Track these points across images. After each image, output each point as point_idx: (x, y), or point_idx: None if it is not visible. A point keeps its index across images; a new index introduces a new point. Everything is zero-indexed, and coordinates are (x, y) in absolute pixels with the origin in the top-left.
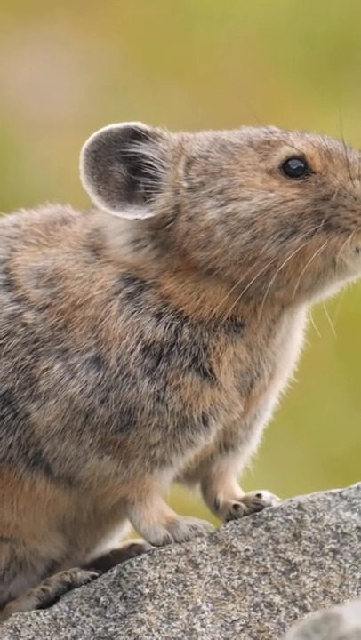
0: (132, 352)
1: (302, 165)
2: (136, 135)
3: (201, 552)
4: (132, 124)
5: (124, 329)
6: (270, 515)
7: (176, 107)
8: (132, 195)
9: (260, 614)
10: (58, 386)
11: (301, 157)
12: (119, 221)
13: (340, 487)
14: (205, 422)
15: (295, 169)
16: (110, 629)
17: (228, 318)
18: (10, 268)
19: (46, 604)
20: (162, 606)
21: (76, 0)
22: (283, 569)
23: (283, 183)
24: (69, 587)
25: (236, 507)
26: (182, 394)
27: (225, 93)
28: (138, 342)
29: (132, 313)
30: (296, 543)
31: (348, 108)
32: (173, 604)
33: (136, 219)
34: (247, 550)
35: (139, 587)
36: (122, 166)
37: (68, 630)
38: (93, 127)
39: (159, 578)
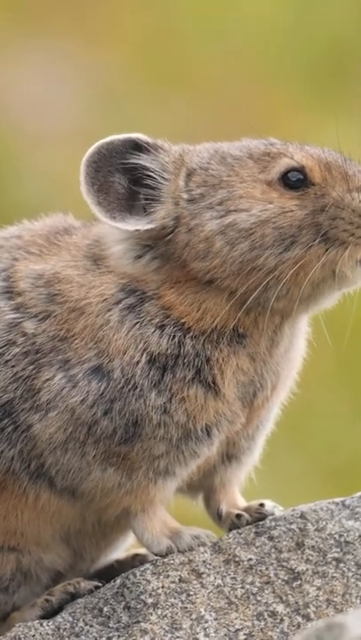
0: (137, 363)
1: (302, 177)
2: (137, 146)
3: (204, 561)
4: (133, 135)
5: (128, 340)
6: (273, 524)
7: (177, 118)
8: (132, 206)
9: (263, 623)
10: (59, 396)
11: (301, 169)
12: (119, 232)
13: (341, 496)
14: (209, 433)
15: (295, 181)
16: (114, 639)
17: (229, 329)
18: (10, 276)
19: (50, 614)
20: (165, 616)
21: (75, 11)
22: (286, 578)
23: (282, 195)
24: (73, 597)
25: (238, 516)
26: (187, 406)
27: (225, 105)
28: (143, 354)
29: (135, 324)
30: (299, 552)
31: (346, 118)
32: (177, 614)
33: (136, 230)
34: (250, 559)
35: (142, 596)
36: (122, 177)
37: None
38: (93, 139)
39: (162, 587)
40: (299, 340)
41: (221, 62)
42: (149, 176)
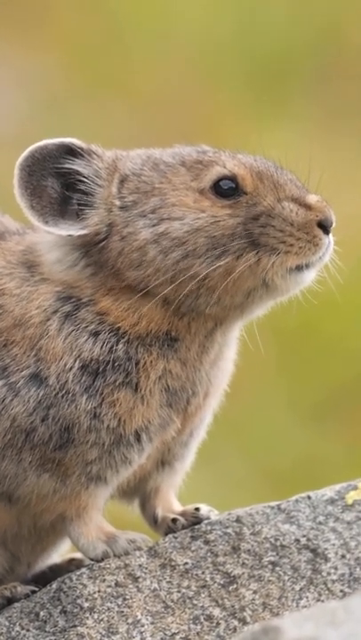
0: (70, 369)
1: (233, 186)
2: (71, 151)
3: (140, 566)
4: (66, 140)
5: (63, 348)
6: (209, 528)
7: (117, 123)
8: (65, 211)
9: (199, 627)
10: (1, 404)
11: (233, 178)
12: (52, 237)
13: (280, 500)
14: (138, 439)
15: (226, 189)
16: None
17: (163, 333)
18: None
19: None
20: (102, 620)
21: (14, 16)
22: (222, 582)
23: (214, 203)
24: (9, 601)
25: (174, 520)
26: (117, 410)
27: (166, 109)
28: (76, 360)
29: (71, 332)
30: (235, 556)
31: (286, 125)
32: (113, 618)
33: (69, 235)
34: (186, 563)
35: (78, 601)
36: (56, 182)
37: None
38: (33, 144)
39: (99, 592)
40: (230, 350)
41: (163, 67)
42: (83, 181)
